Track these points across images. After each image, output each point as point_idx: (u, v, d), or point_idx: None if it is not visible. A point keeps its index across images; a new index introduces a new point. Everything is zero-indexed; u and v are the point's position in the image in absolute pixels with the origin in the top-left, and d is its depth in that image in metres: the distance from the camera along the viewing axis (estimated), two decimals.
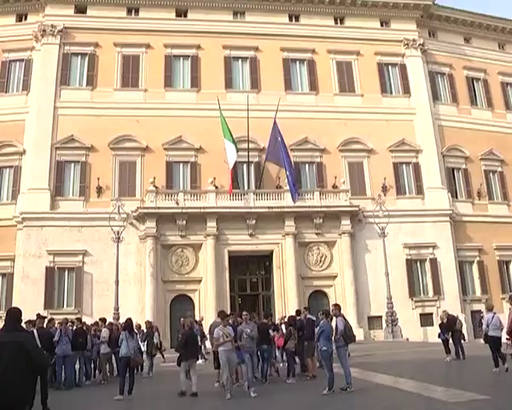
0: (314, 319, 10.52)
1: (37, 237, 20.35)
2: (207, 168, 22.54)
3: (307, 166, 24.05)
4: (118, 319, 16.91)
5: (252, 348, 8.76)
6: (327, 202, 22.43)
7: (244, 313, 9.22)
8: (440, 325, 12.65)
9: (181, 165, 23.17)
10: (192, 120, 23.41)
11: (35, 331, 8.32)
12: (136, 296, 20.59)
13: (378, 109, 24.78)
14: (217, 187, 22.21)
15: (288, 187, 21.82)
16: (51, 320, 10.58)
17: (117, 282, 19.38)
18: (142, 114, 22.92)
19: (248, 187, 22.80)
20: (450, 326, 12.23)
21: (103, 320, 12.43)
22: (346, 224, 22.46)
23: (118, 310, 18.19)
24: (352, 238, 22.43)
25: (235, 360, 8.34)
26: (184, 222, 21.39)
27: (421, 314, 21.97)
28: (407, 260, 22.78)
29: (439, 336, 12.51)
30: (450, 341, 12.33)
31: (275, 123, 22.21)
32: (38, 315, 9.65)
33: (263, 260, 23.04)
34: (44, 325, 9.74)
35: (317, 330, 8.70)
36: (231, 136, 22.57)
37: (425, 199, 23.83)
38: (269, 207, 21.73)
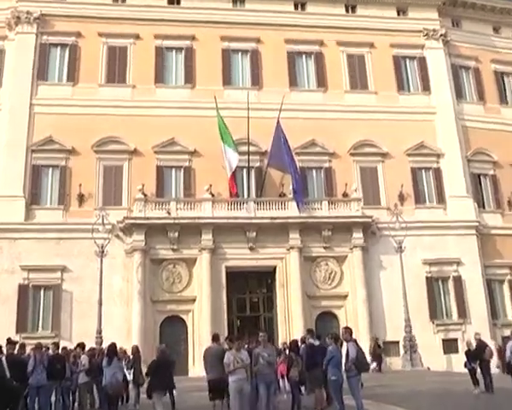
0: (316, 343, 10.40)
1: (9, 250, 20.34)
2: (203, 174, 22.77)
3: (314, 171, 24.30)
4: (101, 343, 16.79)
5: (269, 375, 8.28)
6: (336, 212, 22.60)
7: (261, 333, 8.91)
8: (467, 353, 12.46)
9: (173, 170, 23.39)
10: (186, 120, 23.35)
11: (3, 359, 8.12)
12: (121, 318, 20.56)
13: (394, 108, 24.98)
14: (213, 195, 22.39)
15: (294, 195, 22.13)
16: (23, 346, 10.27)
17: (100, 301, 19.17)
18: (130, 113, 23.09)
19: (248, 195, 22.94)
20: (478, 354, 11.94)
21: (81, 346, 12.15)
22: (358, 237, 22.53)
23: (101, 333, 18.09)
24: (365, 253, 22.51)
25: (248, 391, 7.88)
26: (177, 234, 21.44)
27: (443, 340, 21.84)
28: (427, 277, 22.72)
29: (466, 366, 12.39)
30: (479, 371, 12.11)
31: (278, 123, 22.39)
32: (9, 340, 9.38)
33: (264, 277, 23.08)
34: (15, 352, 9.45)
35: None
36: (231, 138, 22.83)
37: (447, 209, 23.94)
38: (271, 218, 21.85)
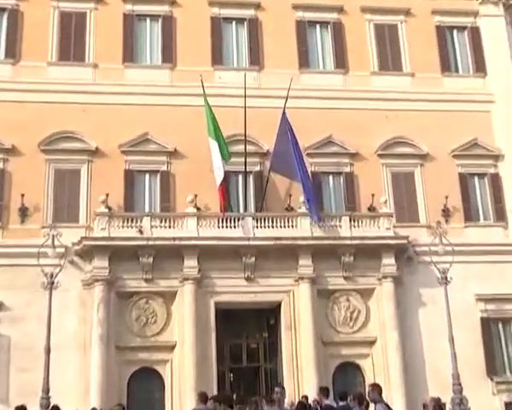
0: (334, 405, 10.53)
1: None
2: (186, 181, 23.25)
3: (331, 178, 24.79)
4: (47, 406, 16.68)
5: None
6: (360, 232, 22.95)
7: (276, 389, 8.96)
8: None
9: (147, 176, 23.84)
10: (164, 111, 23.74)
11: None
12: (76, 371, 20.52)
13: (437, 95, 25.33)
14: (199, 209, 22.85)
15: (303, 208, 22.60)
16: None
17: (48, 349, 18.42)
18: (91, 101, 23.44)
19: (245, 209, 23.29)
20: None
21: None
22: (388, 263, 22.84)
23: (48, 393, 17.54)
24: (399, 285, 22.80)
25: None
26: (151, 260, 21.65)
27: (506, 404, 21.79)
28: (482, 318, 22.71)
29: None
30: None
31: (284, 115, 22.81)
32: None
33: (266, 317, 23.40)
34: None
35: None
36: (220, 134, 23.12)
37: (509, 228, 24.13)
38: (275, 239, 22.24)
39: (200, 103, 23.10)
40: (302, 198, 22.65)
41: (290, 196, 23.74)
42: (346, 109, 25.03)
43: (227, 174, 23.15)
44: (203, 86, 22.90)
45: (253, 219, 22.72)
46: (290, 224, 22.75)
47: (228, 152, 23.12)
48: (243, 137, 22.97)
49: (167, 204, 23.41)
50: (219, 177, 22.75)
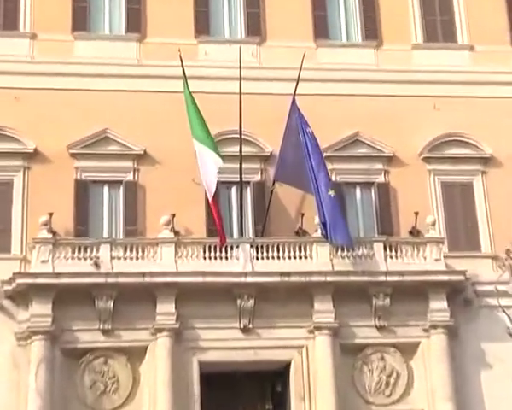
0: None
1: None
2: (159, 195, 23.57)
3: (359, 190, 25.09)
4: None
5: None
6: (400, 265, 23.19)
7: None
8: None
9: (105, 188, 24.13)
10: (129, 99, 24.08)
11: None
12: None
13: (504, 76, 25.70)
14: (177, 233, 23.16)
15: (320, 230, 22.76)
16: None
17: None
18: (27, 86, 23.71)
19: (241, 233, 23.66)
20: None
21: None
22: (439, 308, 22.92)
23: None
24: (453, 338, 22.84)
25: None
26: (111, 304, 21.78)
27: None
28: None
29: None
30: None
31: (294, 104, 23.17)
32: None
33: (269, 382, 23.47)
34: None
35: None
36: (206, 132, 22.92)
37: None
38: (282, 274, 22.45)
39: (178, 89, 23.27)
40: (317, 219, 22.81)
41: (302, 215, 24.00)
42: (378, 96, 25.20)
43: (217, 186, 22.67)
44: (183, 66, 22.93)
45: (252, 246, 22.93)
46: (303, 253, 22.96)
47: (219, 153, 23.04)
48: (237, 135, 23.34)
49: (134, 227, 23.65)
50: (211, 186, 22.68)
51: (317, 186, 22.86)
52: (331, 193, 22.69)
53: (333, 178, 24.49)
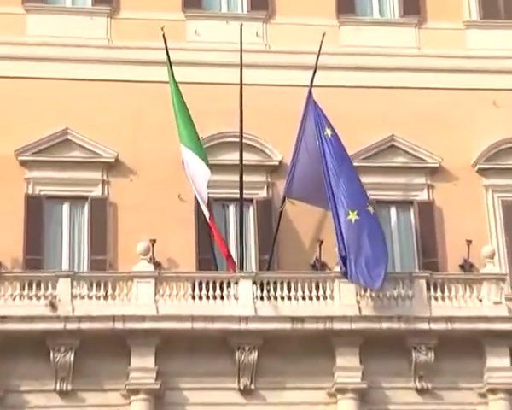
0: None
1: None
2: (135, 215, 23.83)
3: (394, 211, 25.48)
4: None
5: None
6: (447, 309, 23.14)
7: None
8: None
9: (65, 206, 24.36)
10: (96, 91, 24.44)
11: None
12: None
13: None
14: (158, 264, 23.49)
15: (340, 265, 22.81)
16: None
17: None
18: None
19: (242, 266, 23.94)
20: None
21: None
22: (500, 366, 22.79)
23: None
24: None
25: None
26: (71, 357, 21.71)
27: None
28: None
29: None
30: None
31: (311, 98, 23.50)
32: None
33: None
34: None
35: None
36: (194, 134, 23.19)
37: None
38: (293, 320, 22.49)
39: (160, 78, 23.74)
40: (337, 251, 22.83)
41: (321, 242, 24.25)
42: (420, 89, 25.32)
43: (210, 203, 23.35)
44: (167, 49, 23.27)
45: (255, 283, 23.04)
46: (321, 293, 23.01)
47: (206, 160, 23.27)
48: (237, 139, 23.72)
49: (102, 256, 23.94)
50: (204, 203, 22.87)
51: (335, 206, 22.82)
52: (352, 216, 22.62)
53: None
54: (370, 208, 22.81)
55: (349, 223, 22.57)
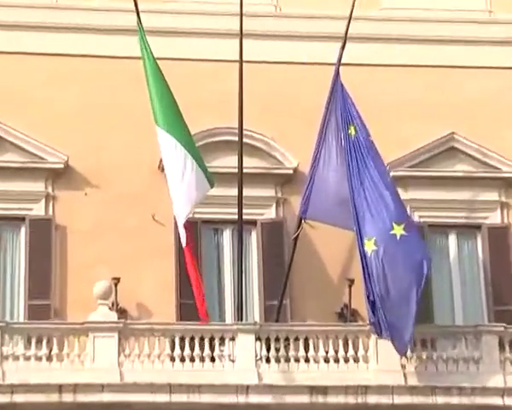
0: None
1: None
2: (91, 243, 24.19)
3: (453, 238, 25.87)
4: None
5: None
6: None
7: None
8: None
9: None
10: (35, 68, 24.64)
11: None
12: None
13: None
14: (123, 311, 23.88)
15: (368, 314, 22.89)
16: None
17: None
18: None
19: (240, 314, 24.11)
20: None
21: None
22: None
23: None
24: None
25: None
26: None
27: None
28: None
29: None
30: None
31: (338, 80, 23.83)
32: None
33: None
34: None
35: None
36: (182, 124, 23.12)
37: None
38: (312, 390, 22.57)
39: (130, 52, 24.01)
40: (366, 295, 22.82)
41: (351, 282, 24.49)
42: (491, 69, 25.43)
43: (194, 225, 23.65)
44: (138, 13, 23.48)
45: (260, 339, 23.24)
46: (351, 353, 23.27)
47: (202, 164, 23.24)
48: (235, 138, 23.80)
49: (44, 301, 24.10)
50: (182, 218, 22.69)
51: (359, 232, 22.83)
52: (368, 247, 22.61)
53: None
54: (398, 231, 22.61)
55: (374, 254, 22.59)
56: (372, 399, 22.61)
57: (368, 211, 22.85)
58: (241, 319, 23.77)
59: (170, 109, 23.09)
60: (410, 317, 22.27)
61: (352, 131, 23.17)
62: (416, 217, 25.10)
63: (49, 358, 22.44)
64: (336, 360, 23.09)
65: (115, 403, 22.10)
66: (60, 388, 21.82)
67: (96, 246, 23.90)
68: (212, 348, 22.79)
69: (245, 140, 24.00)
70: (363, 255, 22.55)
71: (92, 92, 24.50)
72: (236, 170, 23.75)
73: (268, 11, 24.91)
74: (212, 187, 23.04)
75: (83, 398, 22.00)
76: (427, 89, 25.09)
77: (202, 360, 22.74)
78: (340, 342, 23.22)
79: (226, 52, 23.64)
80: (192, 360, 22.69)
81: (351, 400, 22.57)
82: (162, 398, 22.19)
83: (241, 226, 23.90)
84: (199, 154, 23.27)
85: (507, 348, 23.22)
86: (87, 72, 24.60)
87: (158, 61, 23.09)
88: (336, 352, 23.06)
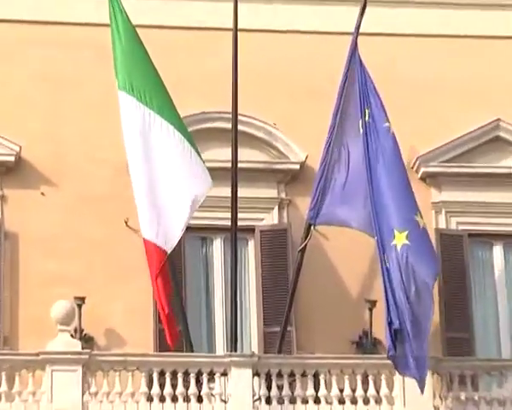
0: None
1: None
2: (50, 255, 24.29)
3: (499, 249, 25.69)
4: None
5: None
6: None
7: None
8: None
9: None
10: None
11: None
12: None
13: None
14: (89, 339, 23.93)
15: (387, 342, 22.51)
16: None
17: None
18: None
19: (234, 344, 23.95)
20: None
21: None
22: None
23: None
24: None
25: None
26: None
27: None
28: None
29: None
30: None
31: (355, 53, 23.88)
32: None
33: None
34: None
35: None
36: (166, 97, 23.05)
37: None
38: None
39: (100, 19, 23.96)
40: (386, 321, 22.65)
41: (372, 305, 24.49)
42: None
43: (181, 244, 23.64)
44: None
45: (258, 373, 23.22)
46: (371, 392, 23.20)
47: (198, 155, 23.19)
48: (229, 124, 23.78)
49: None
50: (169, 240, 22.56)
51: (381, 245, 22.74)
52: (404, 241, 22.52)
53: (442, 225, 24.90)
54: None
55: (405, 248, 22.58)
56: None
57: (394, 201, 22.94)
58: (236, 350, 23.63)
59: (156, 86, 23.18)
60: (424, 337, 22.33)
61: (366, 114, 23.37)
62: (452, 224, 25.17)
63: None
64: (353, 401, 23.08)
65: None
66: None
67: (54, 258, 23.90)
68: (199, 386, 22.69)
69: (240, 127, 23.90)
70: (386, 259, 22.47)
71: (52, 66, 24.59)
72: (230, 165, 23.62)
73: None
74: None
75: None
76: (467, 65, 25.16)
77: (187, 399, 22.69)
78: (359, 379, 23.16)
79: (218, 18, 23.78)
80: (174, 399, 22.61)
81: None
82: None
83: (235, 235, 23.76)
84: (189, 134, 23.32)
85: None
86: (45, 41, 24.64)
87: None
88: (353, 391, 23.02)
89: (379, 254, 22.59)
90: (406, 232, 22.49)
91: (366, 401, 23.07)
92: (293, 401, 22.91)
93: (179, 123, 23.17)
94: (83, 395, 22.38)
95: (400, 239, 22.50)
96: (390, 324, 22.01)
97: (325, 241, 24.40)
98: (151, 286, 23.10)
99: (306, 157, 24.67)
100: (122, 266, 23.89)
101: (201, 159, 23.05)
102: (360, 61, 23.41)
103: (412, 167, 25.13)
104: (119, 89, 23.08)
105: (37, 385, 22.54)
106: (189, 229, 23.56)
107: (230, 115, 23.63)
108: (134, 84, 23.07)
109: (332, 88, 23.78)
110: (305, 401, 22.94)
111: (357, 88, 23.49)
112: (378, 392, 23.15)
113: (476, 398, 23.05)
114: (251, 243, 25.16)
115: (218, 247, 24.98)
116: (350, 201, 23.53)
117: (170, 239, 22.46)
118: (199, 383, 22.69)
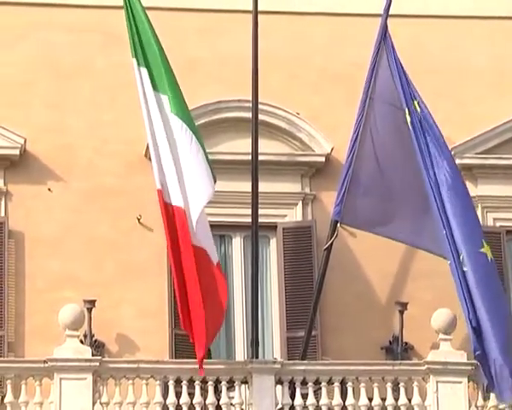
0: None
1: None
2: (57, 256, 24.25)
3: None
4: None
5: None
6: None
7: None
8: None
9: None
10: None
11: None
12: None
13: None
14: (100, 345, 23.85)
15: (473, 345, 22.30)
16: None
17: None
18: None
19: (255, 351, 23.62)
20: None
21: None
22: None
23: None
24: None
25: None
26: None
27: None
28: None
29: None
30: None
31: (386, 36, 23.93)
32: None
33: None
34: None
35: None
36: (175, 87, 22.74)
37: None
38: None
39: (109, 0, 24.11)
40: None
41: (403, 307, 24.40)
42: None
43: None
44: None
45: (280, 382, 23.10)
46: (403, 401, 23.08)
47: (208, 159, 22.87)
48: (248, 114, 23.83)
49: None
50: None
51: (451, 238, 22.37)
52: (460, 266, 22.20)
53: (488, 221, 25.00)
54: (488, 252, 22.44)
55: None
56: None
57: (456, 218, 22.71)
58: (257, 356, 23.48)
59: (166, 72, 22.77)
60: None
61: (415, 106, 23.19)
62: (489, 220, 25.12)
63: (2, 406, 22.26)
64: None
65: None
66: None
67: (62, 258, 23.89)
68: (217, 394, 22.57)
69: (261, 117, 23.76)
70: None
71: (58, 52, 24.63)
72: (249, 157, 23.46)
73: None
74: (214, 182, 22.64)
75: None
76: (504, 49, 25.04)
77: (205, 409, 22.55)
78: (389, 387, 23.03)
79: (235, 0, 23.13)
80: (191, 409, 22.43)
81: None
82: None
83: (255, 232, 23.59)
84: (196, 130, 22.94)
85: None
86: (50, 25, 24.69)
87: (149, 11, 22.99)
88: (383, 399, 22.91)
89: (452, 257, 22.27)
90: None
91: (397, 409, 22.92)
92: (316, 408, 22.75)
93: (187, 117, 22.81)
94: (93, 404, 22.29)
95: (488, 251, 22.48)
96: (469, 317, 21.95)
97: (352, 239, 24.33)
98: (164, 289, 23.47)
99: (332, 149, 24.59)
100: (135, 266, 23.77)
101: (209, 162, 22.67)
102: (392, 46, 23.31)
103: None
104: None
105: (45, 395, 22.40)
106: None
107: (250, 104, 23.44)
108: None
109: (359, 74, 23.74)
110: None
111: (394, 75, 23.41)
112: (410, 401, 23.08)
113: None
114: (273, 242, 25.11)
115: (237, 245, 24.92)
116: (385, 200, 23.47)
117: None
118: (217, 391, 22.58)
